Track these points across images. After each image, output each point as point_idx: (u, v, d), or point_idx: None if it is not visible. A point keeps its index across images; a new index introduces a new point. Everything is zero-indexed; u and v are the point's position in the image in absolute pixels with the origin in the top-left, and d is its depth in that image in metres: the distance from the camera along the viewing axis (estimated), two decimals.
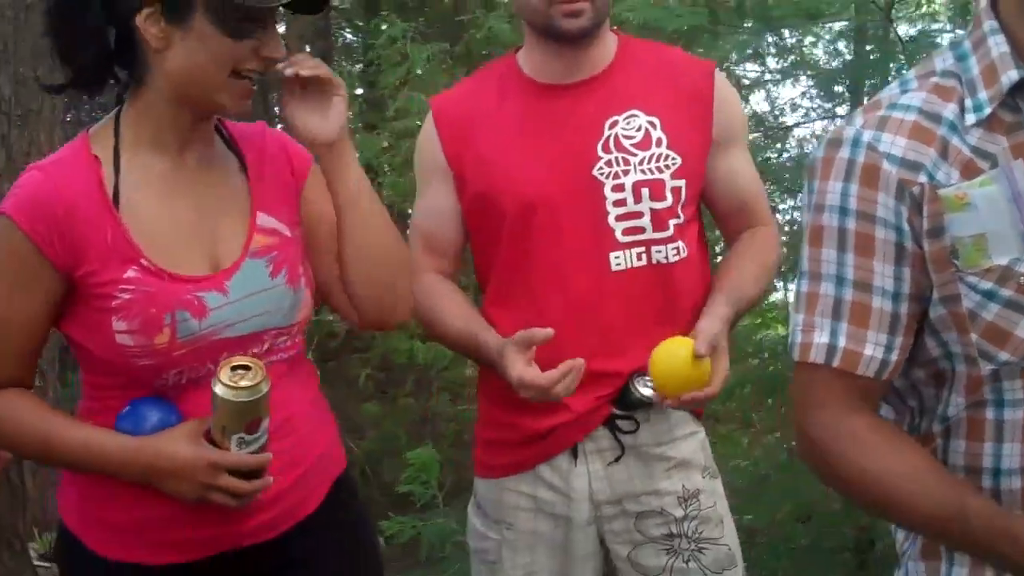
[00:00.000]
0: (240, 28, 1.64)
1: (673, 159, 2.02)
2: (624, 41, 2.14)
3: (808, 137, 5.77)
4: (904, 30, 4.25)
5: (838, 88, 4.87)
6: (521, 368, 1.90)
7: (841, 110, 4.67)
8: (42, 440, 1.70)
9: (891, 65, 3.64)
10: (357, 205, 1.78)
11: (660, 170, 2.01)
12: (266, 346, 1.75)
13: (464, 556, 2.49)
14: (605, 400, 2.04)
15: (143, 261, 1.67)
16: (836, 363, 1.33)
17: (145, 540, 1.74)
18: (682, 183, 2.03)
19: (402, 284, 1.87)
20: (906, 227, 1.29)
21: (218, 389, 1.60)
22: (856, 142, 1.31)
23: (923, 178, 1.27)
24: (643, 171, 2.01)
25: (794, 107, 6.16)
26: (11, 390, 1.71)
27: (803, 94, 5.82)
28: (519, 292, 2.07)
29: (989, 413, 1.32)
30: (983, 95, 1.28)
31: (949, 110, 1.29)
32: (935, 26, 4.75)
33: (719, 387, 1.92)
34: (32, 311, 1.68)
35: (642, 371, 1.99)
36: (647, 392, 2.00)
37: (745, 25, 4.15)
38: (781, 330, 5.44)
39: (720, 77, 2.14)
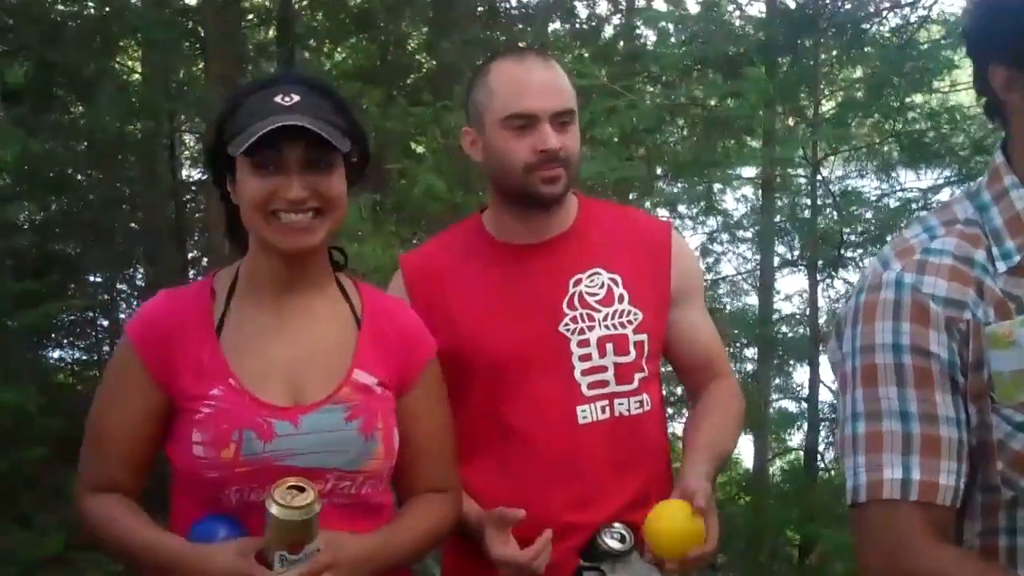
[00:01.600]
0: (260, 169, 1.77)
1: (635, 314, 2.12)
2: (583, 202, 2.25)
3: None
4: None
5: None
6: (500, 546, 1.95)
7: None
8: (117, 539, 1.82)
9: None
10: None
11: (623, 325, 2.11)
12: (329, 485, 1.80)
13: None
14: (573, 551, 2.05)
15: (231, 380, 1.79)
16: (914, 496, 1.36)
17: None
18: (644, 337, 2.13)
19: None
20: (957, 360, 1.38)
21: (270, 505, 1.66)
22: (899, 284, 1.41)
23: (967, 315, 1.38)
24: (607, 327, 2.10)
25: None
26: (112, 495, 1.83)
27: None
28: (488, 447, 2.11)
29: (1002, 540, 1.40)
30: (1010, 244, 1.42)
31: (979, 255, 1.42)
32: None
33: (715, 542, 1.92)
34: (130, 418, 1.82)
35: (609, 523, 2.04)
36: (615, 544, 2.04)
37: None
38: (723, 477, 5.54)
39: (676, 235, 2.26)
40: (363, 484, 1.84)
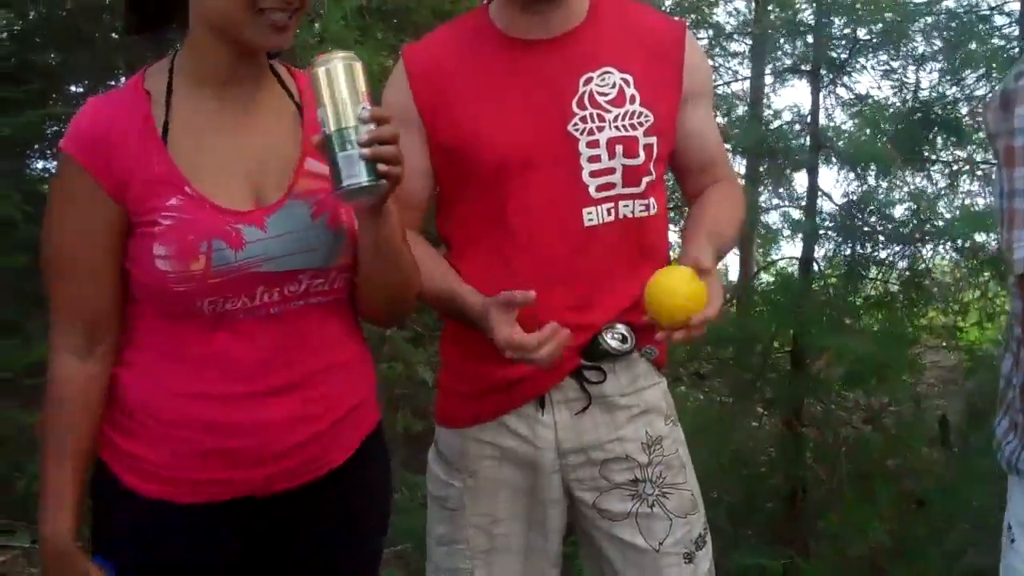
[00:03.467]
0: None
1: (646, 116, 2.06)
2: None
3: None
4: None
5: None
6: (507, 329, 1.92)
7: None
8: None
9: None
10: (385, 250, 1.78)
11: (634, 127, 2.05)
12: (303, 286, 1.76)
13: None
14: (574, 352, 2.06)
15: (187, 189, 1.70)
16: None
17: (166, 477, 1.76)
18: (654, 140, 2.07)
19: (410, 301, 1.92)
20: None
21: (328, 63, 1.62)
22: None
23: None
24: (617, 127, 2.04)
25: None
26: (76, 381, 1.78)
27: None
28: (489, 246, 2.08)
29: None
30: None
31: None
32: None
33: (717, 309, 1.88)
34: (92, 235, 1.72)
35: (611, 323, 2.04)
36: (616, 344, 2.05)
37: None
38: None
39: (690, 37, 2.17)
40: (335, 279, 1.81)
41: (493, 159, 2.04)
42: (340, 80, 1.61)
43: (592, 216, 2.05)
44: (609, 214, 2.05)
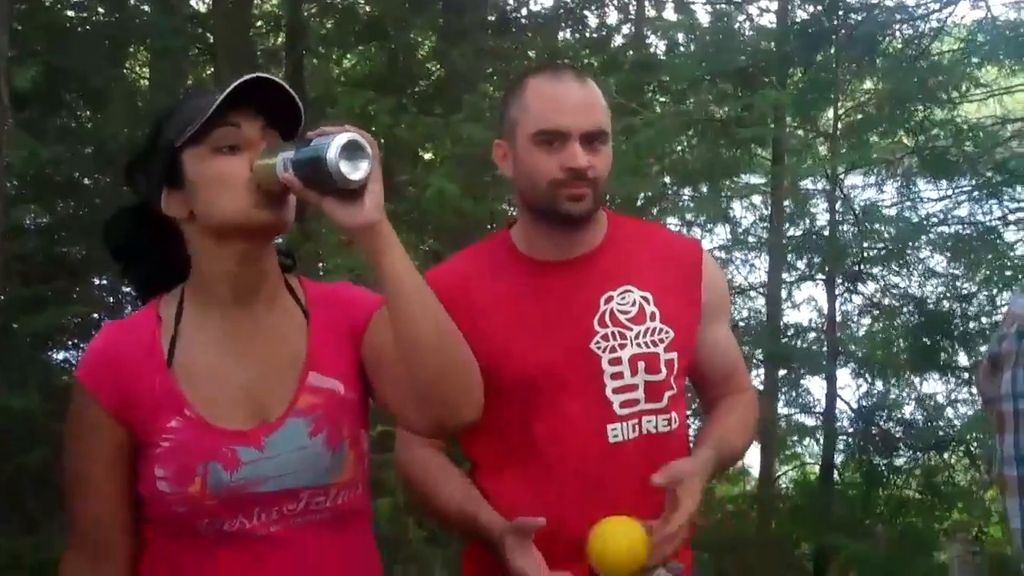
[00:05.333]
0: (218, 151, 1.69)
1: (666, 333, 2.09)
2: (613, 219, 2.22)
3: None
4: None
5: None
6: (520, 557, 1.91)
7: None
8: None
9: None
10: (403, 285, 1.66)
11: (655, 343, 2.08)
12: (302, 504, 1.74)
13: None
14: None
15: (186, 411, 1.70)
16: None
17: None
18: (675, 355, 2.10)
19: (465, 379, 1.73)
20: None
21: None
22: None
23: None
24: (639, 344, 2.07)
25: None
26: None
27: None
28: (516, 466, 2.07)
29: None
30: None
31: None
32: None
33: (680, 522, 1.91)
34: (105, 459, 1.73)
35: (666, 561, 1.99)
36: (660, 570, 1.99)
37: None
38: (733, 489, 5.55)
39: (707, 255, 2.23)
40: (337, 496, 1.78)
41: (517, 376, 2.05)
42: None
43: (617, 433, 2.05)
44: (634, 431, 2.06)
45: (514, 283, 2.14)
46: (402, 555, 4.64)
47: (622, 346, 2.07)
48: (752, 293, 7.43)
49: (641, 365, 2.07)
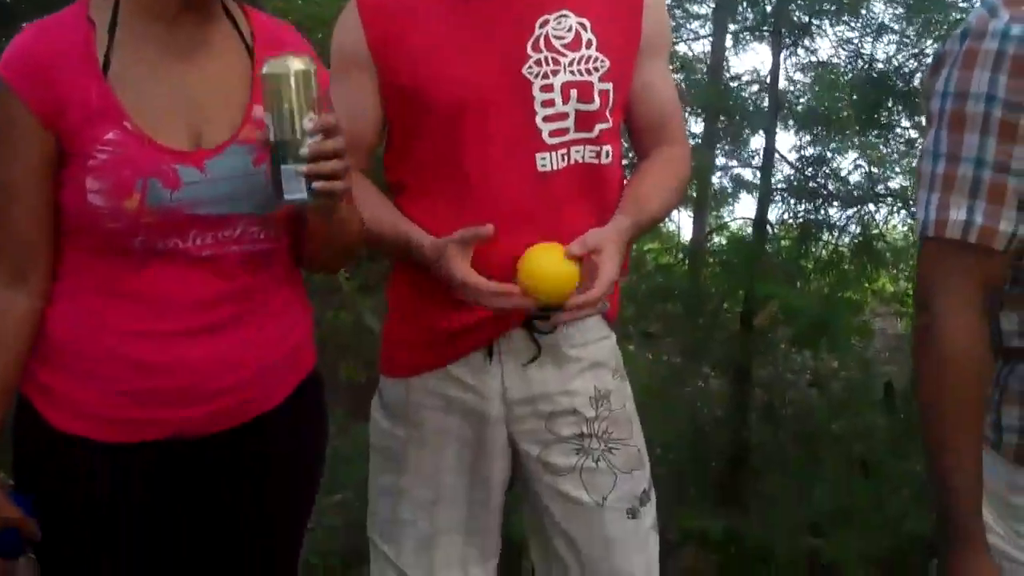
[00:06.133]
0: None
1: (602, 62, 2.01)
2: None
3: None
4: None
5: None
6: (465, 269, 1.89)
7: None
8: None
9: None
10: (334, 227, 1.80)
11: (589, 72, 2.00)
12: (237, 232, 1.72)
13: None
14: None
15: (125, 124, 1.64)
16: (973, 239, 1.45)
17: (89, 414, 1.71)
18: (609, 87, 2.02)
19: (351, 255, 1.99)
20: None
21: (281, 66, 1.59)
22: (1005, 35, 1.40)
23: None
24: (572, 72, 1.99)
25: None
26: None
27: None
28: (442, 191, 2.03)
29: None
30: None
31: None
32: None
33: (602, 290, 1.88)
34: (28, 165, 1.66)
35: None
36: None
37: None
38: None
39: None
40: (271, 228, 1.78)
41: (448, 99, 1.98)
42: (290, 89, 1.58)
43: (545, 162, 2.00)
44: (563, 160, 2.01)
45: (445, 2, 2.03)
46: (334, 302, 4.66)
47: (555, 72, 1.99)
48: (699, 53, 7.28)
49: (574, 93, 1.99)
